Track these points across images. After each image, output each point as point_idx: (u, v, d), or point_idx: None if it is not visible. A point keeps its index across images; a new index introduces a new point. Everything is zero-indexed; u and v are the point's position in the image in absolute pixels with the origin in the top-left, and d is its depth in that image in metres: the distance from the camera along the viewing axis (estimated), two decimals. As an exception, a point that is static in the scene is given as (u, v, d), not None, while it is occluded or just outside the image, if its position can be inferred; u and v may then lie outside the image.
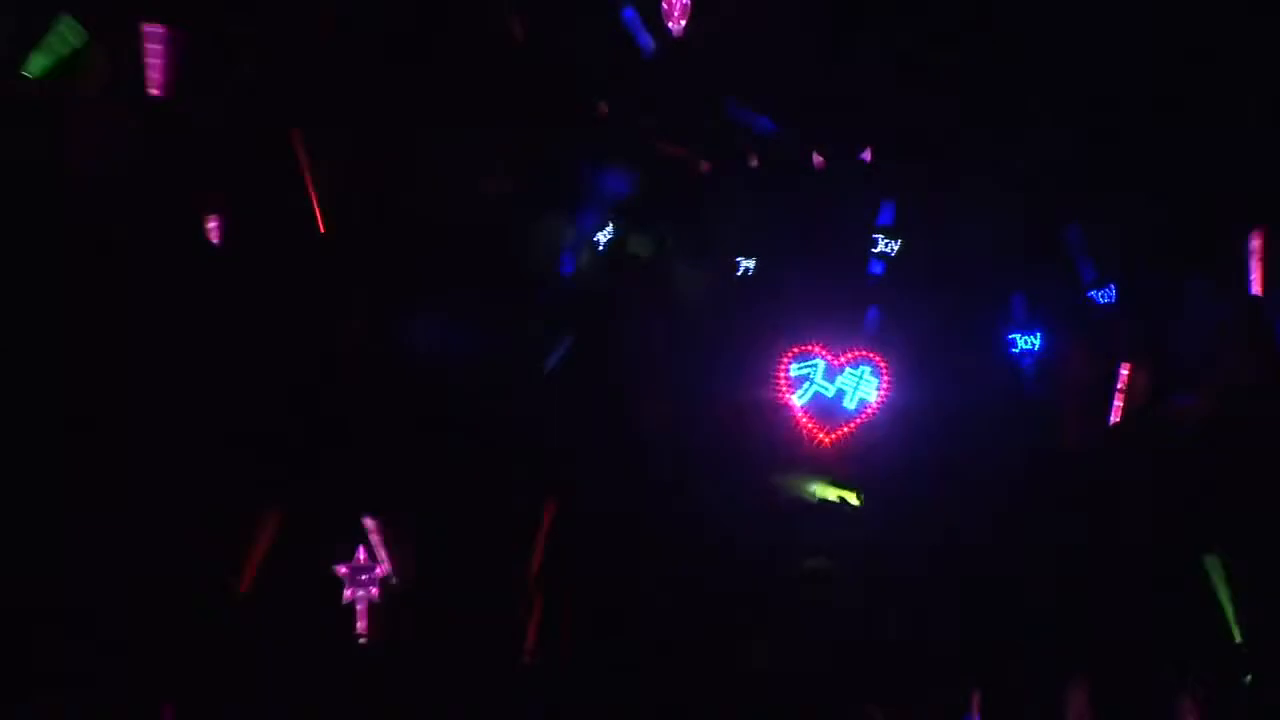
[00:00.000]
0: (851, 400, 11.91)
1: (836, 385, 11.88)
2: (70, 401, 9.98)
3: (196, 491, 10.15)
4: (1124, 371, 11.72)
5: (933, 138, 11.86)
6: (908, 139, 11.95)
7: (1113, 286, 11.91)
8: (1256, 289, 11.57)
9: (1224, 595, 10.84)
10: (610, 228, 11.59)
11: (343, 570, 10.67)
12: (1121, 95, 11.60)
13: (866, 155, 12.02)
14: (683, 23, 11.25)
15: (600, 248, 11.62)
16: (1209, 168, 11.37)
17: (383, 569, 10.70)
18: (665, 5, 11.27)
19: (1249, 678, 10.65)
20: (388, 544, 10.72)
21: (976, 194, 11.92)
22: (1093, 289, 11.95)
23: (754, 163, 11.64)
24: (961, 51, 11.59)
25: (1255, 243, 11.58)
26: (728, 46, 11.56)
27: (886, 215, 12.08)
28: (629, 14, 11.25)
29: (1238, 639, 10.77)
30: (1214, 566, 10.88)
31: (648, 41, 11.28)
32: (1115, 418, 11.71)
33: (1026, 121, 11.73)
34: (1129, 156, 11.68)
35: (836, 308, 11.99)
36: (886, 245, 12.03)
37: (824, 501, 11.74)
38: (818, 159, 11.94)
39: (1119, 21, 11.31)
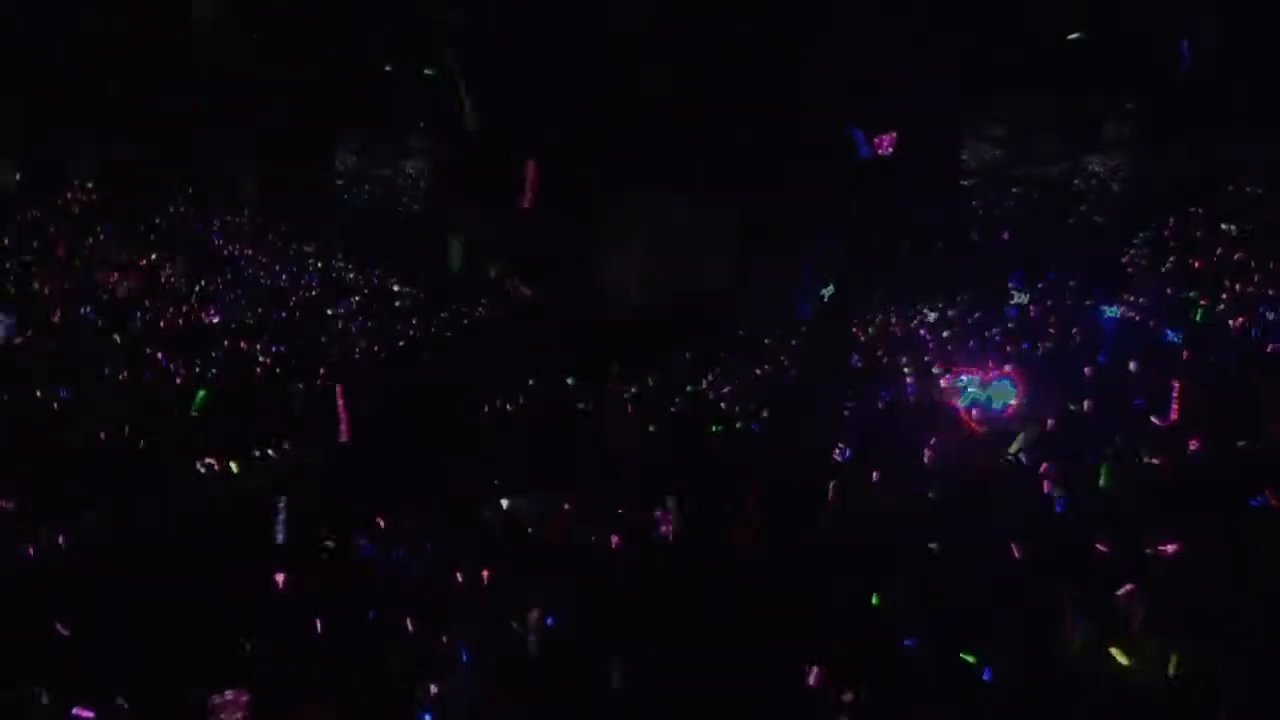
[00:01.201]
0: (997, 403, 17.24)
1: (986, 393, 17.23)
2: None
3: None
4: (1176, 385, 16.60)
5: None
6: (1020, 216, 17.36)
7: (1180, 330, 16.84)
8: None
9: None
10: (833, 288, 17.15)
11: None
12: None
13: (1005, 235, 17.53)
14: (890, 149, 16.76)
15: (826, 299, 17.15)
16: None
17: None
18: (877, 140, 16.77)
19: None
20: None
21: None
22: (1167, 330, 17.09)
23: (940, 244, 17.14)
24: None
25: None
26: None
27: (1018, 279, 17.54)
28: (857, 134, 16.66)
29: None
30: None
31: (867, 152, 16.73)
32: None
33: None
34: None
35: (987, 338, 17.45)
36: (1019, 296, 17.54)
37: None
38: (974, 236, 17.48)
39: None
